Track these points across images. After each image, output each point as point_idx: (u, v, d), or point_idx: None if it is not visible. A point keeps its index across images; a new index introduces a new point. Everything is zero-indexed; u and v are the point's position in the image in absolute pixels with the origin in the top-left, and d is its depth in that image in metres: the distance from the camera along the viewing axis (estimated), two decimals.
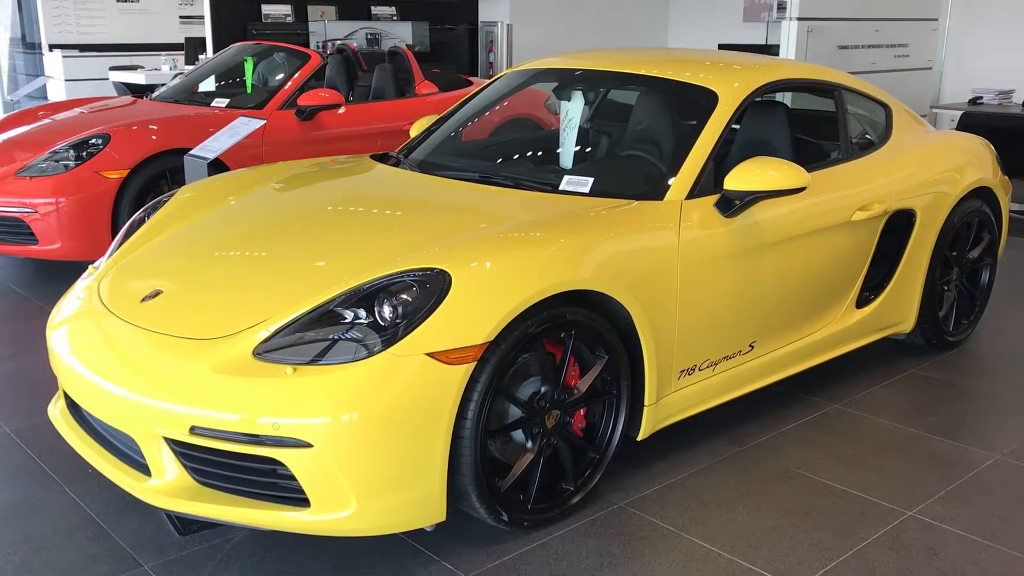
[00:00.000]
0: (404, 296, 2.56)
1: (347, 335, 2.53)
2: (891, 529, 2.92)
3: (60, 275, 5.45)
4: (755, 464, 3.33)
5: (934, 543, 2.85)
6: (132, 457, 2.69)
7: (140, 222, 3.56)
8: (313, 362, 2.48)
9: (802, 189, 3.24)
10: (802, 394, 3.91)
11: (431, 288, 2.56)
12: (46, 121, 6.15)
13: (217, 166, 5.39)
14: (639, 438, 3.13)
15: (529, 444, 2.83)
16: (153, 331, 2.72)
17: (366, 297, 2.59)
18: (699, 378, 3.28)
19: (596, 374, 2.93)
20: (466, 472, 2.62)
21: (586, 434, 3.02)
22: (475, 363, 2.55)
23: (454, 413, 2.54)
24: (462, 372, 2.52)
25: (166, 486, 2.58)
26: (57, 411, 3.03)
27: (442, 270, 2.59)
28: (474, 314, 2.56)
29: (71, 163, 5.33)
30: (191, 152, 4.67)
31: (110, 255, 3.39)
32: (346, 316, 2.58)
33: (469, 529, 2.83)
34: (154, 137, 5.58)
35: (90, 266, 3.37)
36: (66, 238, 5.26)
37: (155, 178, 5.50)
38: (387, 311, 2.54)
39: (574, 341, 2.85)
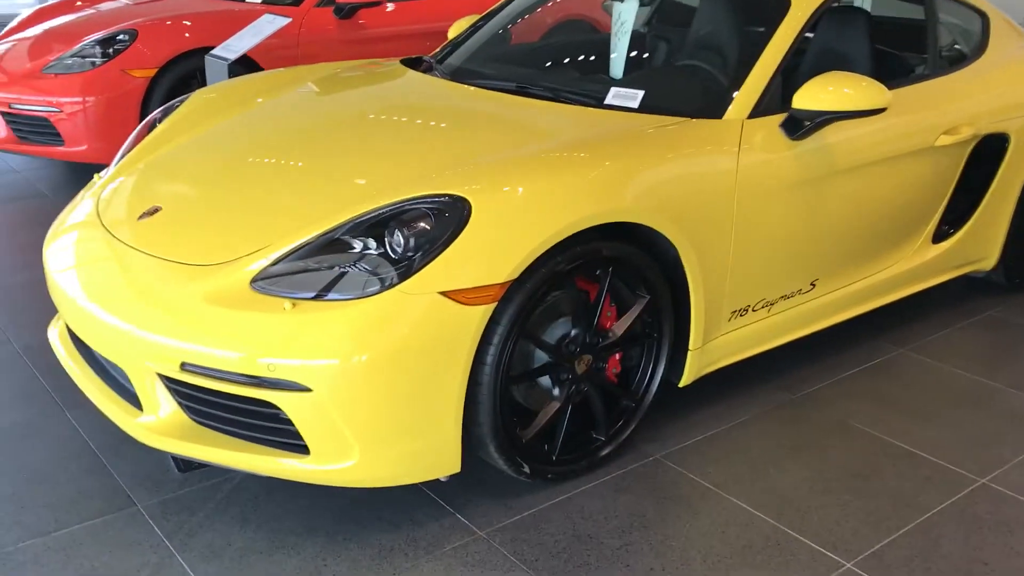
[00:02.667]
0: (417, 226, 2.26)
1: (354, 267, 2.26)
2: (960, 499, 2.61)
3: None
4: (808, 415, 3.02)
5: (1009, 517, 2.54)
6: (127, 389, 2.48)
7: (152, 125, 3.30)
8: (318, 297, 2.21)
9: (882, 110, 2.84)
10: (865, 337, 3.57)
11: (448, 218, 2.26)
12: (84, 12, 5.86)
13: (250, 67, 5.09)
14: (681, 384, 2.84)
15: (556, 391, 2.55)
16: (145, 253, 2.48)
17: (377, 225, 2.30)
18: (752, 319, 2.96)
19: (635, 316, 2.63)
20: (484, 421, 2.37)
21: (621, 380, 2.73)
22: (495, 303, 2.27)
23: (471, 358, 2.26)
24: (480, 313, 2.24)
25: (158, 423, 2.37)
26: (56, 332, 2.84)
27: (461, 197, 2.29)
28: (496, 249, 2.26)
29: (97, 60, 5.08)
30: (212, 52, 4.36)
31: (116, 162, 3.15)
32: (354, 245, 2.30)
33: (487, 479, 2.59)
34: (186, 34, 5.28)
35: (96, 174, 3.13)
36: (92, 139, 5.04)
37: (186, 78, 5.21)
38: (398, 242, 2.25)
39: (611, 279, 2.54)
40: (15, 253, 4.34)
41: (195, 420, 2.36)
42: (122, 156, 3.17)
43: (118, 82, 5.05)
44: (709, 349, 2.86)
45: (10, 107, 5.12)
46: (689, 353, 2.79)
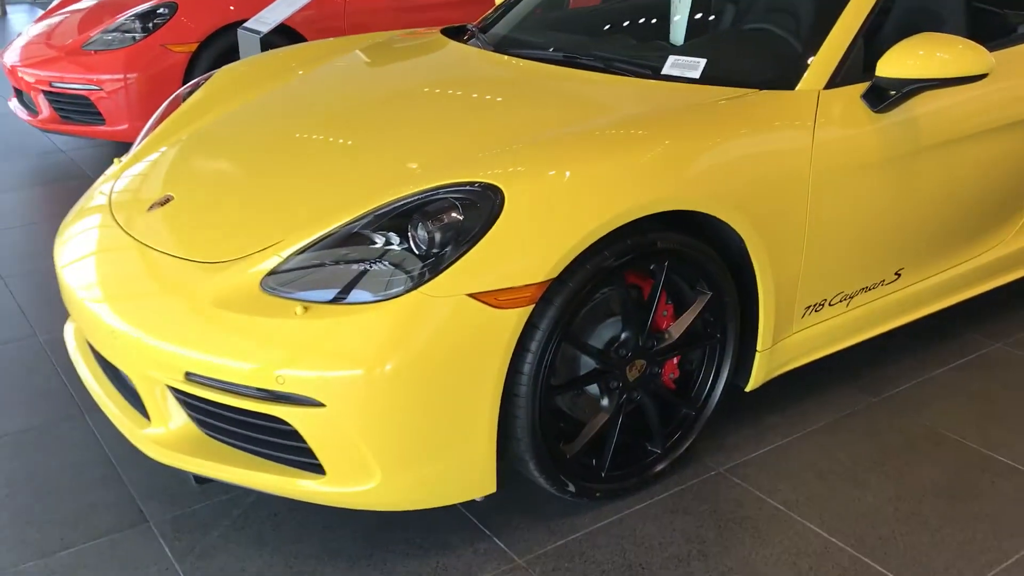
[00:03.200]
0: (444, 219, 2.00)
1: (375, 264, 2.01)
2: None
3: None
4: (892, 421, 2.70)
5: None
6: (138, 396, 2.28)
7: (178, 104, 3.09)
8: (336, 300, 1.97)
9: (982, 76, 2.47)
10: (956, 330, 3.21)
11: (479, 209, 1.99)
12: None
13: (293, 40, 4.87)
14: (748, 388, 2.54)
15: (605, 402, 2.28)
16: (152, 248, 2.26)
17: (399, 217, 2.04)
18: (829, 315, 2.64)
19: (695, 315, 2.34)
20: (521, 436, 2.11)
21: (679, 386, 2.45)
22: (533, 306, 2.00)
23: (505, 367, 2.00)
24: (515, 317, 1.97)
25: (167, 435, 2.17)
26: (71, 330, 2.66)
27: (493, 185, 2.02)
28: (533, 243, 1.99)
29: (137, 35, 4.91)
30: (244, 25, 4.14)
31: (137, 144, 2.94)
32: (375, 240, 2.05)
33: (528, 497, 2.33)
34: (230, 7, 5.07)
35: (115, 159, 2.93)
36: (133, 118, 4.88)
37: (228, 53, 5.01)
38: (422, 238, 1.99)
39: (668, 274, 2.25)
40: (54, 236, 4.20)
41: (207, 433, 2.15)
42: (143, 138, 2.97)
43: (158, 57, 4.87)
44: (780, 349, 2.55)
45: (51, 86, 4.99)
46: (757, 354, 2.48)
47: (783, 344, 2.56)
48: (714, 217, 2.23)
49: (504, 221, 1.97)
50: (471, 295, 1.94)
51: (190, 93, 3.13)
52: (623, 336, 2.24)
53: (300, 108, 2.85)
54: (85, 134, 5.10)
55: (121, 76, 4.86)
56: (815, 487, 2.40)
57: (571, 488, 2.24)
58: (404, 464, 2.00)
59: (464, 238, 1.96)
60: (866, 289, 2.72)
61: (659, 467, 2.39)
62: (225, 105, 2.91)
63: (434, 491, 2.07)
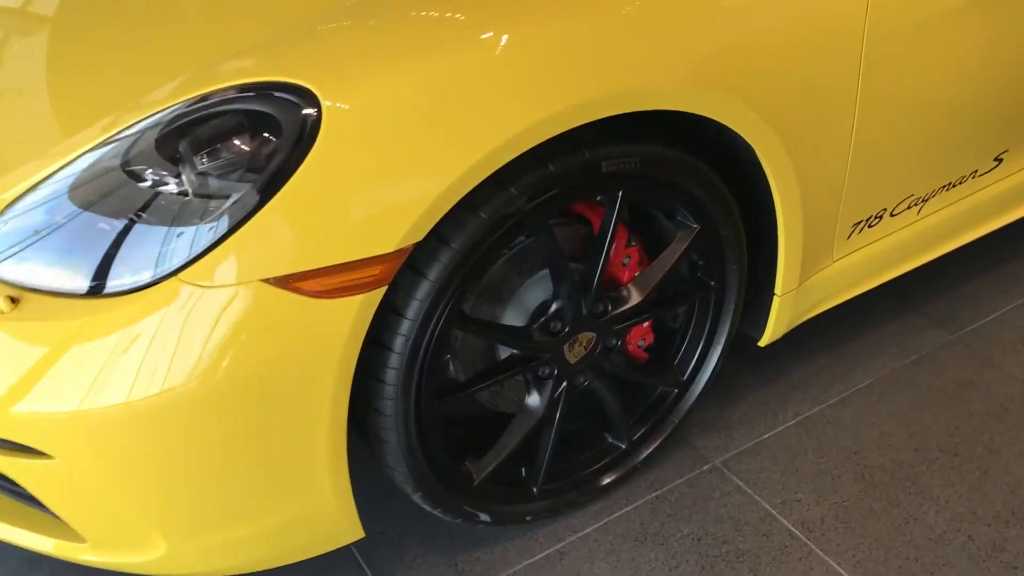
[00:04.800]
0: (221, 151, 1.20)
1: (140, 220, 1.24)
2: None
3: None
4: (984, 373, 1.91)
5: None
6: None
7: None
8: (90, 292, 1.22)
9: None
10: None
11: (277, 133, 1.19)
12: None
13: None
14: (763, 343, 1.77)
15: (532, 399, 1.53)
16: None
17: (163, 143, 1.25)
18: (889, 229, 1.81)
19: (675, 258, 1.54)
20: (395, 465, 1.40)
21: (655, 353, 1.68)
22: (383, 288, 1.23)
23: (347, 378, 1.26)
24: (354, 309, 1.21)
25: None
26: None
27: (299, 88, 1.19)
28: (377, 188, 1.19)
29: None
30: None
31: None
32: (145, 178, 1.26)
33: (432, 522, 1.64)
34: None
35: None
36: None
37: None
38: (190, 182, 1.20)
39: (631, 204, 1.44)
40: None
41: None
42: None
43: None
44: (812, 287, 1.75)
45: None
46: (776, 299, 1.69)
47: (817, 279, 1.75)
48: (702, 117, 1.39)
49: (322, 151, 1.17)
50: (271, 281, 1.17)
51: None
52: (556, 304, 1.46)
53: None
54: None
55: None
56: (853, 495, 1.67)
57: (484, 518, 1.55)
58: (201, 529, 1.31)
59: (253, 186, 1.17)
60: (950, 186, 1.86)
61: (613, 476, 1.66)
62: None
63: (268, 551, 1.39)
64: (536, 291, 1.47)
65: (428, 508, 1.49)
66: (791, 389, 1.91)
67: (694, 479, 1.71)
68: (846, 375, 1.93)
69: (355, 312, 1.21)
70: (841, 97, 1.52)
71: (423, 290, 1.28)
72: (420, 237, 1.22)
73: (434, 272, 1.27)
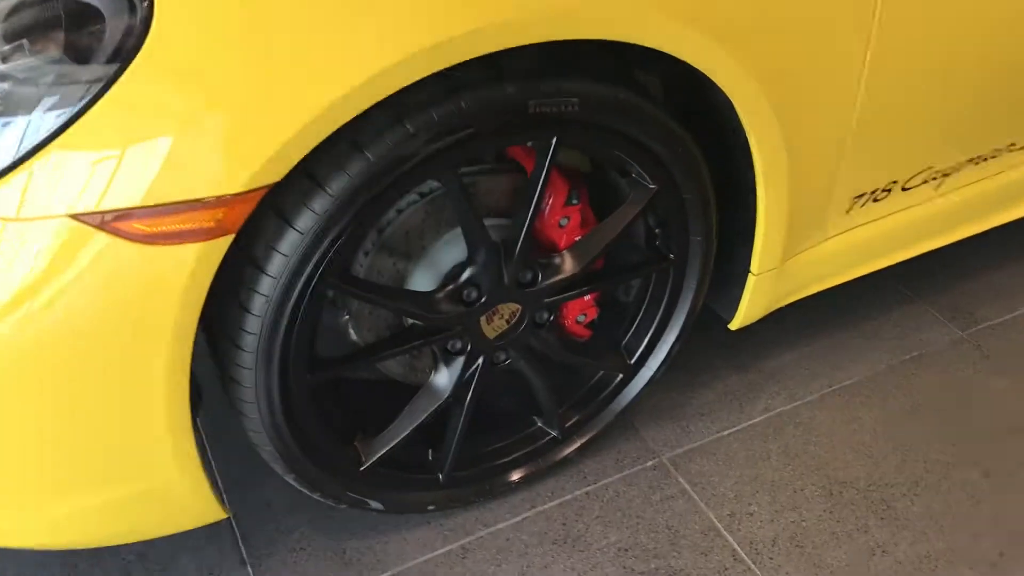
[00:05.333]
0: (29, 49, 0.95)
1: None
2: None
3: None
4: (1001, 379, 1.65)
5: None
6: None
7: None
8: None
9: None
10: None
11: (105, 29, 0.94)
12: None
13: None
14: (734, 326, 1.51)
15: (440, 376, 1.30)
16: None
17: None
18: (901, 203, 1.53)
19: (625, 223, 1.28)
20: (259, 442, 1.19)
21: (599, 332, 1.44)
22: (229, 237, 0.99)
23: (186, 344, 1.03)
24: (188, 261, 0.98)
25: None
26: None
27: None
28: (220, 108, 0.94)
29: None
30: None
31: None
32: None
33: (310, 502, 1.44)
34: None
35: None
36: None
37: None
38: None
39: (568, 154, 1.19)
40: None
41: None
42: None
43: None
44: (797, 266, 1.48)
45: None
46: (751, 278, 1.43)
47: (805, 258, 1.48)
48: (662, 52, 1.12)
49: (151, 57, 0.92)
50: (83, 218, 0.94)
51: None
52: (470, 269, 1.21)
53: None
54: None
55: None
56: (815, 513, 1.43)
57: (376, 505, 1.33)
58: (38, 495, 1.11)
59: (62, 97, 0.93)
60: (978, 160, 1.57)
61: (538, 466, 1.43)
62: None
63: (116, 524, 1.18)
64: (453, 251, 1.23)
65: (306, 492, 1.27)
66: (765, 379, 1.66)
67: (634, 476, 1.48)
68: (832, 368, 1.68)
69: (192, 265, 0.98)
70: (848, 37, 1.24)
71: (289, 243, 1.04)
72: (278, 177, 0.97)
73: (303, 222, 1.03)
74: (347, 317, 1.26)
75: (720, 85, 1.16)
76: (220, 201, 0.96)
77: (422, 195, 1.21)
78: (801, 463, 1.50)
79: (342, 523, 1.42)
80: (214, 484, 1.20)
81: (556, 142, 1.13)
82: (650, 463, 1.51)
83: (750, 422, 1.58)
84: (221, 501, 1.21)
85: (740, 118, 1.21)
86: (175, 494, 1.16)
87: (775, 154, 1.27)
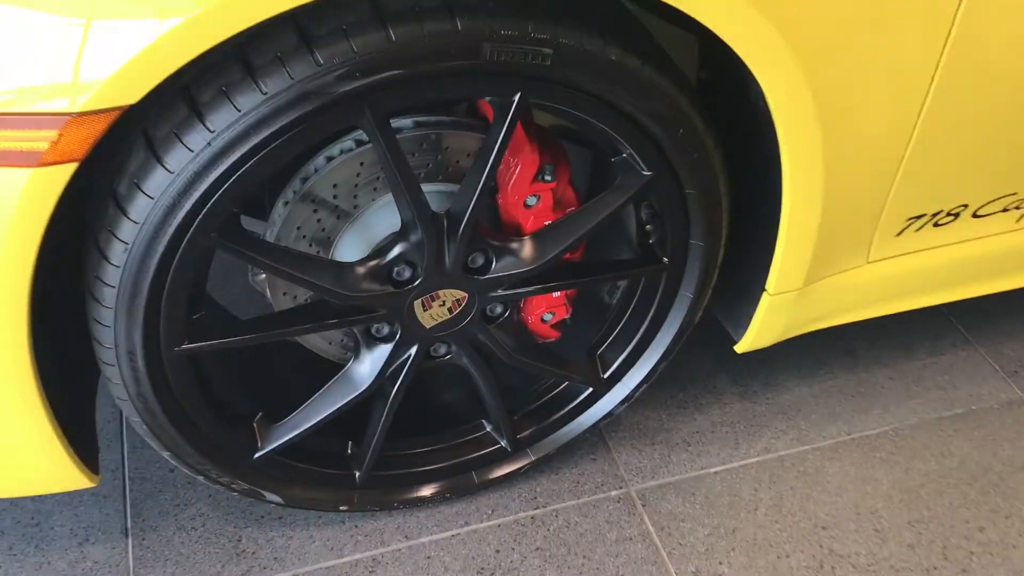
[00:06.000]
0: None
1: None
2: None
3: None
4: None
5: None
6: None
7: None
8: None
9: None
10: None
11: None
12: None
13: None
14: (740, 348, 1.26)
15: (360, 363, 1.08)
16: None
17: None
18: (968, 232, 1.26)
19: (606, 212, 1.03)
20: (128, 411, 1.00)
21: (568, 332, 1.20)
22: (66, 167, 0.78)
23: (17, 290, 0.84)
24: (15, 190, 0.78)
25: None
26: None
27: None
28: (77, 4, 0.74)
29: None
30: None
31: None
32: None
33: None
34: None
35: None
36: None
37: None
38: None
39: (535, 119, 0.95)
40: None
41: None
42: None
43: None
44: (825, 291, 1.22)
45: None
46: (765, 298, 1.18)
47: (835, 282, 1.22)
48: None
49: None
50: None
51: None
52: (403, 243, 0.99)
53: None
54: None
55: None
56: None
57: (273, 498, 1.14)
58: None
59: None
60: None
61: (482, 476, 1.22)
62: None
63: None
64: (391, 217, 1.01)
65: (188, 472, 1.08)
66: (773, 414, 1.41)
67: (593, 505, 1.26)
68: (855, 412, 1.42)
69: (21, 194, 0.78)
70: (923, 25, 0.96)
71: (155, 183, 0.83)
72: (133, 99, 0.76)
73: (175, 159, 0.82)
74: (263, 275, 1.05)
75: (741, 56, 0.90)
76: (54, 120, 0.75)
77: (359, 143, 0.99)
78: (794, 522, 1.26)
79: (246, 506, 1.23)
80: (84, 448, 1.03)
81: (519, 101, 0.89)
82: (615, 492, 1.28)
83: (744, 462, 1.34)
84: (88, 467, 1.04)
85: (768, 103, 0.95)
86: (27, 455, 0.99)
87: (809, 154, 1.01)
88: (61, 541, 1.19)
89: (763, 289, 1.17)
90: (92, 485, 1.05)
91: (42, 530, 1.20)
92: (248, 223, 0.99)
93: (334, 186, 1.00)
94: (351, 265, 0.98)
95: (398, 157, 0.90)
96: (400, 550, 1.20)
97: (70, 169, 0.79)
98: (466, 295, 1.04)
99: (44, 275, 0.87)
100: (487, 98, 0.91)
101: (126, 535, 1.20)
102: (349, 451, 1.17)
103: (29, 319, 0.86)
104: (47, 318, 0.94)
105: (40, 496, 1.23)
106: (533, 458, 1.24)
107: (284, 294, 1.07)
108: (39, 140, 0.76)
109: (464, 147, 1.02)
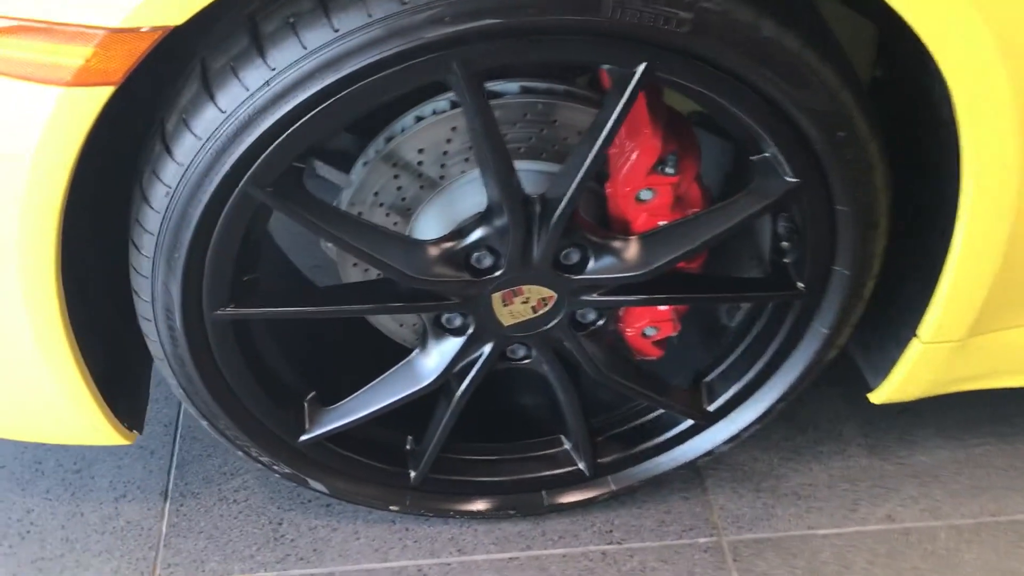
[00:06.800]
0: None
1: None
2: None
3: None
4: None
5: None
6: None
7: None
8: None
9: None
10: None
11: None
12: None
13: None
14: (876, 398, 1.07)
15: (426, 354, 0.95)
16: None
17: None
18: None
19: (735, 221, 0.86)
20: (165, 373, 0.90)
21: (672, 352, 1.04)
22: (103, 90, 0.68)
23: (45, 222, 0.75)
24: (45, 110, 0.68)
25: None
26: None
27: None
28: None
29: None
30: None
31: None
32: None
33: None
34: None
35: None
36: None
37: None
38: None
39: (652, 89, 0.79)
40: None
41: None
42: None
43: None
44: (995, 347, 1.01)
45: None
46: (916, 345, 0.98)
47: (1010, 337, 1.01)
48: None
49: None
50: None
51: None
52: (484, 226, 0.85)
53: None
54: None
55: None
56: None
57: (317, 486, 1.03)
58: None
59: None
60: None
61: (553, 499, 1.07)
62: None
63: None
64: (479, 196, 0.87)
65: (225, 443, 0.98)
66: (906, 477, 1.20)
67: (675, 551, 1.10)
68: (1008, 490, 1.20)
69: (51, 115, 0.68)
70: None
71: (206, 120, 0.72)
72: (182, 18, 0.65)
73: (229, 97, 0.70)
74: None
75: (932, 50, 0.71)
76: (89, 34, 0.65)
77: (454, 104, 0.85)
78: None
79: (294, 486, 1.13)
80: (127, 403, 0.94)
81: (643, 73, 0.73)
82: (703, 540, 1.11)
83: (861, 528, 1.14)
84: (130, 424, 0.96)
85: (955, 111, 0.76)
86: (56, 405, 0.91)
87: (1000, 177, 0.82)
88: (99, 493, 1.12)
89: (914, 334, 0.98)
90: (127, 443, 0.97)
91: (82, 478, 1.13)
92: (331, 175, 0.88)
93: (420, 151, 0.86)
94: (424, 244, 0.85)
95: (488, 125, 0.76)
96: (450, 564, 1.07)
97: (106, 92, 0.68)
98: (554, 295, 0.89)
99: (90, 220, 0.77)
100: (604, 66, 0.76)
101: (165, 498, 1.12)
102: (408, 447, 1.04)
103: (57, 264, 0.77)
104: (93, 267, 0.85)
105: None
106: (614, 488, 1.08)
107: (355, 265, 0.95)
108: (72, 56, 0.66)
109: (576, 122, 0.87)
